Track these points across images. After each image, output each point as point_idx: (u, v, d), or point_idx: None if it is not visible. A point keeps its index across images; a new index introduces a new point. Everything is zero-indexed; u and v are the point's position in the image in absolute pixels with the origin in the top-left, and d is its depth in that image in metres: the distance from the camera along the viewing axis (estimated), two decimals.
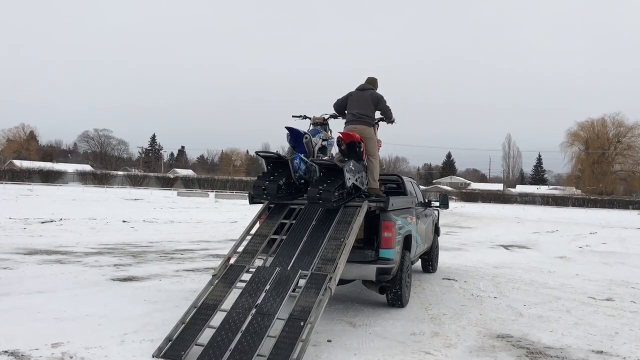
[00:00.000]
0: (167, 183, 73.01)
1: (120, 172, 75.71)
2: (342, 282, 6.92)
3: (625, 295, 8.63)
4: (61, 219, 18.75)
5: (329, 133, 7.49)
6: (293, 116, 7.73)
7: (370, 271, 6.38)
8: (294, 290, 5.23)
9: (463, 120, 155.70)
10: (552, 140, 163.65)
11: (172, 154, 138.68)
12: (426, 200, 9.80)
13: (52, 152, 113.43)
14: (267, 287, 5.20)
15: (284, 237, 6.03)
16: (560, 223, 31.27)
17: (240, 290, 5.23)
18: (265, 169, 6.53)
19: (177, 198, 47.41)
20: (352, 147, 6.90)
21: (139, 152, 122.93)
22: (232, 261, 5.76)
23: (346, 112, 7.42)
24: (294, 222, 6.28)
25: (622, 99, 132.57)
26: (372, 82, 7.49)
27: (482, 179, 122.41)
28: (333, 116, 7.64)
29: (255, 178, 6.52)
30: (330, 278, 5.18)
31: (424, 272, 10.22)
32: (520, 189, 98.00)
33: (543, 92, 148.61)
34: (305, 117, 7.69)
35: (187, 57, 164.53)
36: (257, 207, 6.93)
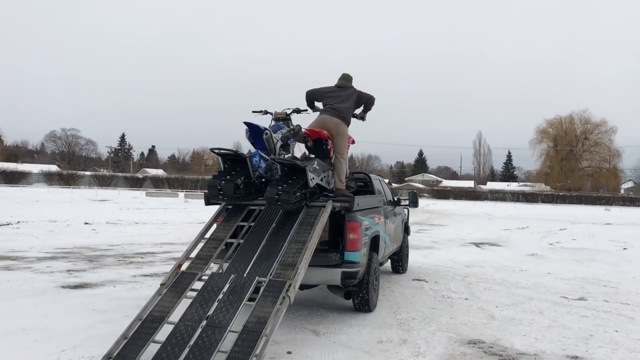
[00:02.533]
0: (135, 183, 71.60)
1: (87, 173, 73.95)
2: (306, 287, 6.53)
3: (597, 294, 8.43)
4: (19, 222, 17.95)
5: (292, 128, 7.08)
6: (253, 111, 7.31)
7: (335, 275, 6.00)
8: (251, 299, 4.81)
9: (435, 118, 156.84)
10: (522, 138, 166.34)
11: (142, 154, 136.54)
12: (395, 199, 9.47)
13: (18, 153, 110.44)
14: (220, 296, 4.77)
15: (241, 241, 5.61)
16: (531, 219, 31.40)
17: (191, 301, 4.79)
18: (222, 168, 6.08)
19: (146, 198, 46.39)
20: (319, 144, 6.52)
21: (108, 152, 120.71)
22: (183, 268, 5.31)
23: (321, 104, 7.04)
24: (252, 224, 5.86)
25: (589, 96, 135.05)
26: (349, 79, 7.14)
27: (454, 176, 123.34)
28: (296, 111, 7.23)
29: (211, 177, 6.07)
30: (290, 285, 4.78)
31: (394, 273, 9.89)
32: (490, 186, 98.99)
33: (513, 89, 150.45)
34: (266, 112, 7.27)
35: (159, 56, 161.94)
36: (215, 209, 6.49)
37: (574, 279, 9.90)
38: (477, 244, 16.27)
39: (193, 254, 5.54)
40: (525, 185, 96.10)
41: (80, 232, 15.84)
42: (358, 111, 7.27)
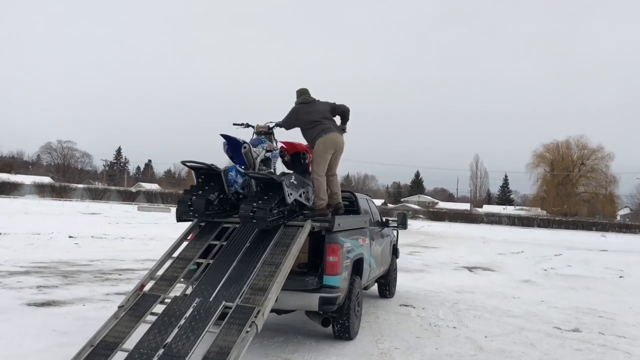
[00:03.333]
0: (129, 197, 70.96)
1: (79, 185, 73.32)
2: (283, 311, 6.12)
3: (592, 325, 8.02)
4: (0, 234, 17.48)
5: (274, 143, 6.72)
6: (234, 124, 6.95)
7: (312, 301, 5.60)
8: (218, 324, 4.40)
9: (432, 139, 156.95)
10: (519, 161, 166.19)
11: (138, 168, 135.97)
12: (383, 220, 9.09)
13: (13, 164, 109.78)
14: (182, 321, 4.37)
15: (211, 261, 5.21)
16: (526, 244, 30.99)
17: (149, 326, 4.38)
18: (195, 182, 5.71)
19: (137, 213, 45.80)
20: (297, 158, 6.17)
21: (103, 165, 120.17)
22: (146, 289, 4.91)
23: (304, 125, 6.65)
24: (224, 243, 5.47)
25: (586, 121, 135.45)
26: (308, 92, 6.79)
27: (450, 198, 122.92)
28: (279, 125, 6.88)
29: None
30: (258, 312, 4.38)
31: (381, 298, 9.47)
32: (487, 208, 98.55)
33: (510, 112, 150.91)
34: (248, 126, 6.92)
35: (159, 71, 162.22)
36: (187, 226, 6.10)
37: (568, 308, 9.50)
38: (469, 268, 15.86)
39: (159, 274, 5.14)
40: (522, 209, 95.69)
41: (62, 246, 15.37)
42: None
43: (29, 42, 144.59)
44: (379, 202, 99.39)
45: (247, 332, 4.20)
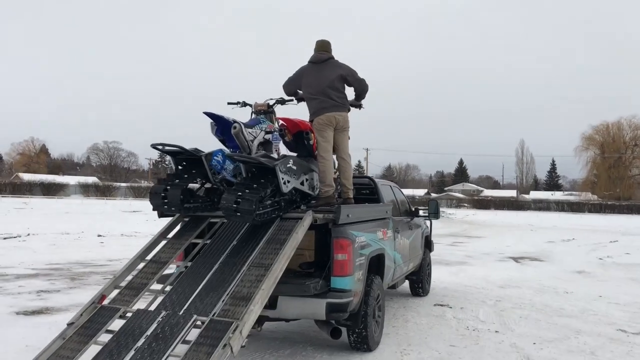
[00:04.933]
0: None
1: (123, 184, 74.18)
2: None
3: None
4: (28, 234, 17.19)
5: (276, 124, 5.77)
6: (229, 103, 6.03)
7: (317, 308, 4.64)
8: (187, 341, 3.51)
9: (475, 126, 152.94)
10: (566, 145, 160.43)
11: None
12: (412, 209, 8.04)
13: (63, 165, 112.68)
14: (141, 342, 3.48)
15: (189, 264, 4.32)
16: (577, 230, 29.16)
17: (100, 348, 3.51)
18: (174, 170, 4.82)
19: None
20: (300, 139, 5.23)
21: (148, 164, 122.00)
22: (106, 301, 4.05)
23: (305, 95, 5.71)
24: (208, 242, 4.56)
25: (638, 101, 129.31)
26: (326, 47, 5.75)
27: (495, 185, 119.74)
28: (280, 101, 5.93)
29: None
30: (236, 328, 3.45)
31: (413, 296, 8.43)
32: (534, 195, 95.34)
33: (557, 96, 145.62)
34: (244, 104, 5.99)
35: (208, 70, 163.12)
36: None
37: (632, 304, 8.23)
38: (516, 259, 14.58)
39: (126, 281, 4.27)
40: (571, 195, 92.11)
41: (86, 246, 14.88)
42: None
43: (80, 48, 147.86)
44: (422, 191, 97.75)
45: (221, 354, 3.28)
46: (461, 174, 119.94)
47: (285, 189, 4.54)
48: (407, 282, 8.37)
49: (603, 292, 9.20)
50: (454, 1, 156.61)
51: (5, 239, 15.84)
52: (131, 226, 22.89)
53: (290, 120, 5.27)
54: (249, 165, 4.52)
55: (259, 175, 4.50)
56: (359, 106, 6.02)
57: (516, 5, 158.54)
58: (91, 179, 77.12)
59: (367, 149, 72.54)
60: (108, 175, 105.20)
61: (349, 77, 5.65)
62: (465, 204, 74.89)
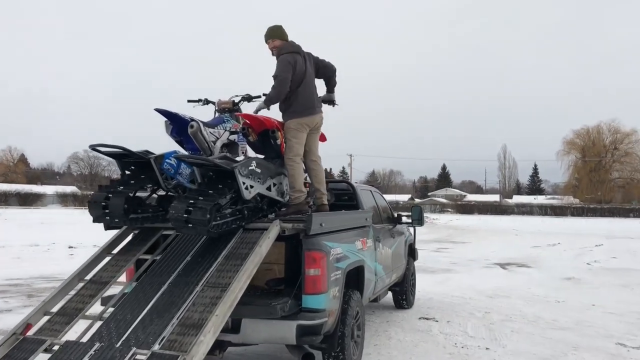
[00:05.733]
0: None
1: None
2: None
3: None
4: None
5: (240, 123, 5.19)
6: (189, 101, 5.44)
7: (287, 331, 4.04)
8: None
9: (458, 131, 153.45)
10: (548, 150, 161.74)
11: None
12: (395, 216, 7.49)
13: (42, 175, 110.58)
14: None
15: (134, 284, 3.71)
16: (562, 234, 28.88)
17: None
18: (120, 175, 4.21)
19: None
20: (267, 138, 4.66)
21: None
22: (31, 331, 3.42)
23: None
24: (158, 258, 3.96)
25: (617, 106, 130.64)
26: (281, 34, 5.14)
27: (478, 190, 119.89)
28: (246, 98, 5.35)
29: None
30: None
31: (397, 309, 7.87)
32: (517, 199, 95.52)
33: (537, 100, 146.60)
34: (207, 102, 5.41)
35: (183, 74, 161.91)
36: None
37: (628, 313, 7.75)
38: (502, 265, 14.11)
39: (58, 306, 3.65)
40: (553, 198, 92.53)
41: (54, 258, 14.13)
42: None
43: (51, 53, 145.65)
44: (405, 197, 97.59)
45: None
46: (444, 179, 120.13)
47: (248, 195, 3.95)
48: (390, 294, 7.81)
49: (596, 301, 8.72)
50: (434, 7, 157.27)
51: None
52: (107, 236, 22.01)
53: (254, 118, 4.68)
54: (205, 169, 3.93)
55: (217, 180, 3.91)
56: (333, 102, 5.47)
57: (496, 10, 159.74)
58: (70, 189, 75.56)
59: (350, 155, 72.25)
60: (88, 184, 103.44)
61: (325, 68, 5.16)
62: (449, 209, 74.76)
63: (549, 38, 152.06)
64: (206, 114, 5.27)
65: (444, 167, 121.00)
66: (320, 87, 5.37)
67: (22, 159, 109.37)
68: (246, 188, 3.92)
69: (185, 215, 3.57)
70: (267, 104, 4.86)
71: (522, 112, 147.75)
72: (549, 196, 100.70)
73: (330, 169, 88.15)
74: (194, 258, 3.83)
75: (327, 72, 5.26)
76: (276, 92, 4.78)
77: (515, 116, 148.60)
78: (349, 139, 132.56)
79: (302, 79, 4.88)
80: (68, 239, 20.12)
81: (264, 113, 4.95)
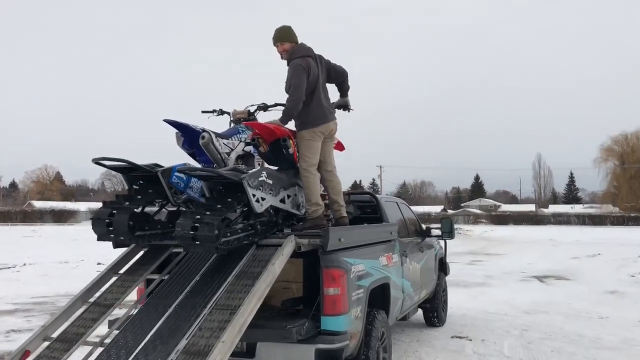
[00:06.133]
0: None
1: None
2: None
3: None
4: (24, 264, 16.49)
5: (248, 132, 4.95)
6: (203, 112, 5.25)
7: (305, 356, 3.74)
8: None
9: (491, 141, 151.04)
10: (584, 157, 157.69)
11: None
12: (423, 228, 7.12)
13: (76, 192, 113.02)
14: None
15: (139, 307, 3.46)
16: (602, 244, 27.85)
17: None
18: (127, 190, 3.99)
19: None
20: (278, 148, 4.39)
21: None
22: (30, 358, 3.20)
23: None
24: (166, 277, 3.71)
25: None
26: (291, 36, 4.80)
27: (513, 200, 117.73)
28: (262, 107, 5.12)
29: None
30: None
31: (428, 327, 7.47)
32: (553, 209, 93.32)
33: (572, 107, 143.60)
34: (222, 112, 5.20)
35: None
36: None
37: None
38: (540, 278, 13.52)
39: (59, 330, 3.42)
40: (591, 207, 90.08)
41: (81, 275, 14.05)
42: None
43: (97, 73, 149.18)
44: (438, 208, 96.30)
45: None
46: (477, 189, 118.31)
47: (259, 208, 3.68)
48: (420, 311, 7.43)
49: None
50: (465, 18, 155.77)
51: None
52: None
53: (264, 127, 4.40)
54: (213, 182, 3.68)
55: (227, 193, 3.65)
56: (348, 107, 5.17)
57: (528, 17, 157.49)
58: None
59: (380, 167, 71.83)
60: None
61: (339, 73, 4.88)
62: (483, 220, 73.34)
63: (583, 42, 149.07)
64: (221, 125, 5.01)
65: (477, 177, 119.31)
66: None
67: (58, 177, 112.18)
68: (257, 201, 3.65)
69: (192, 232, 3.32)
70: (286, 119, 4.50)
71: (557, 120, 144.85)
72: (586, 205, 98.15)
73: (360, 181, 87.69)
74: (203, 278, 3.58)
75: (339, 76, 4.96)
76: (293, 103, 4.44)
77: (549, 124, 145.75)
78: (379, 151, 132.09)
79: (315, 84, 4.59)
80: (97, 255, 20.21)
81: None
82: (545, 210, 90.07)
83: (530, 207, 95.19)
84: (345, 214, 4.83)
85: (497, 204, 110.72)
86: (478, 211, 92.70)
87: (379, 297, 4.75)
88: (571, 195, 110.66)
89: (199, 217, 3.34)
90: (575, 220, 70.59)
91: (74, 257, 19.33)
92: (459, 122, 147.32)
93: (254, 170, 3.84)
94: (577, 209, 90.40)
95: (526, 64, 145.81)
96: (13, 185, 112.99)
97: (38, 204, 63.75)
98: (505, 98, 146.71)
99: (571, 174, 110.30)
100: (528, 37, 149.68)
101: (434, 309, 7.35)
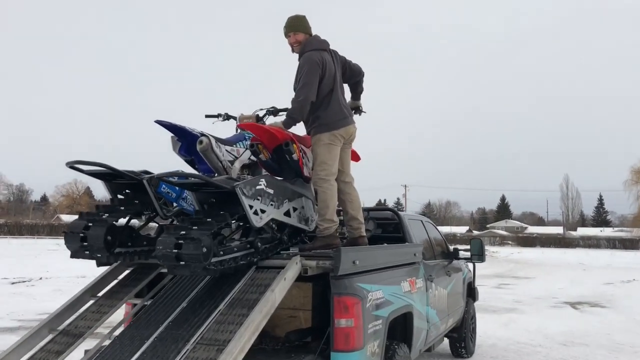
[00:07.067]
0: None
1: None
2: None
3: None
4: (40, 278, 16.21)
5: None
6: (207, 116, 4.74)
7: None
8: None
9: (517, 161, 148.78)
10: (614, 179, 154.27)
11: None
12: (451, 250, 6.50)
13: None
14: None
15: (108, 342, 2.92)
16: (636, 270, 26.61)
17: None
18: (110, 199, 3.48)
19: None
20: (281, 155, 3.84)
21: None
22: None
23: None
24: (148, 303, 3.17)
25: None
26: (305, 27, 4.26)
27: (540, 222, 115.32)
28: (271, 111, 4.60)
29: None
30: None
31: (454, 358, 6.80)
32: (581, 231, 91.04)
33: (600, 128, 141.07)
34: (227, 118, 4.69)
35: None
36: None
37: None
38: (573, 305, 12.67)
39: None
40: (622, 230, 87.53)
41: None
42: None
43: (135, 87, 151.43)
44: (463, 229, 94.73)
45: None
46: (504, 210, 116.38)
47: (258, 221, 3.13)
48: (446, 341, 6.76)
49: None
50: (491, 39, 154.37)
51: (13, 283, 14.87)
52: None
53: (264, 130, 3.83)
54: (203, 194, 3.13)
55: (220, 205, 3.11)
56: (360, 110, 4.63)
57: (554, 36, 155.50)
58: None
59: (405, 186, 70.87)
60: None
61: (354, 70, 4.35)
62: (509, 242, 71.79)
63: (612, 62, 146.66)
64: (227, 131, 4.51)
65: (503, 198, 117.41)
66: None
67: (87, 192, 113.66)
68: (255, 213, 3.10)
69: (176, 250, 2.77)
70: (289, 123, 3.93)
71: (585, 140, 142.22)
72: (616, 228, 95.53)
73: (385, 200, 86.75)
74: (190, 304, 3.03)
75: (354, 75, 4.42)
76: (299, 104, 3.87)
77: (576, 144, 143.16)
78: (404, 170, 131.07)
79: (333, 82, 4.05)
80: None
81: None
82: (574, 233, 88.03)
83: (558, 230, 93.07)
84: (364, 233, 4.25)
85: (524, 225, 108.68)
86: (504, 232, 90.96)
87: (401, 328, 4.15)
88: (600, 218, 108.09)
89: (184, 232, 2.80)
90: (605, 243, 68.68)
91: (92, 272, 18.94)
92: (485, 142, 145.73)
93: (252, 178, 3.29)
94: (607, 232, 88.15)
95: (552, 83, 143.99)
96: (44, 199, 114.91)
97: (66, 218, 64.04)
98: (531, 118, 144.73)
99: (600, 196, 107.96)
100: (554, 55, 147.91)
101: (461, 339, 6.67)
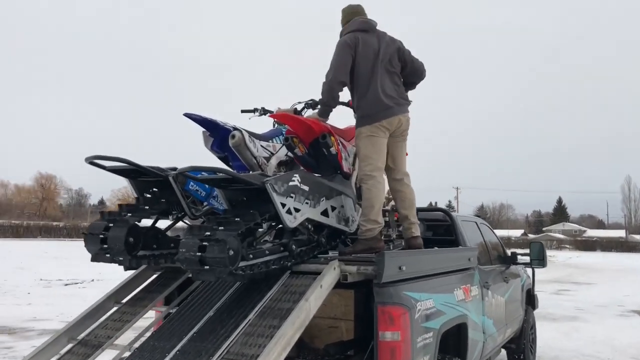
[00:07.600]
0: None
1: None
2: None
3: None
4: (92, 280, 16.48)
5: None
6: (243, 111, 4.47)
7: None
8: None
9: (575, 162, 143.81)
10: None
11: None
12: (508, 254, 6.01)
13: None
14: None
15: (130, 353, 2.66)
16: None
17: None
18: (136, 197, 3.24)
19: None
20: (318, 149, 3.51)
21: None
22: None
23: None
24: (174, 311, 2.91)
25: None
26: (343, 18, 3.92)
27: (600, 225, 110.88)
28: (311, 104, 4.28)
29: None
30: None
31: None
32: None
33: None
34: (264, 112, 4.41)
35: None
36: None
37: None
38: None
39: None
40: None
41: (87, 295, 13.82)
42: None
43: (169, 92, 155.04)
44: (518, 232, 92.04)
45: None
46: (560, 213, 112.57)
47: (291, 221, 2.81)
48: (503, 352, 6.28)
49: None
50: (548, 35, 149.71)
51: (66, 285, 15.18)
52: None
53: (299, 121, 3.50)
54: (232, 191, 2.84)
55: (251, 204, 2.81)
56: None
57: (609, 33, 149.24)
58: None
59: (457, 188, 69.31)
60: None
61: (410, 60, 3.91)
62: (567, 246, 69.17)
63: None
64: (264, 127, 4.23)
65: (559, 200, 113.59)
66: None
67: None
68: (288, 212, 2.78)
69: (199, 253, 2.49)
70: (324, 110, 3.66)
71: None
72: None
73: (436, 203, 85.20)
74: (218, 313, 2.74)
75: (413, 74, 3.97)
76: (326, 86, 3.58)
77: (639, 144, 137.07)
78: (456, 171, 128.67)
79: (372, 66, 3.68)
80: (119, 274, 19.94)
81: None
82: (637, 237, 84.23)
83: (620, 233, 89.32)
84: (418, 233, 3.86)
85: (583, 228, 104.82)
86: (561, 236, 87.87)
87: (454, 341, 3.75)
88: None
89: (208, 233, 2.52)
90: None
91: (93, 275, 19.18)
92: (540, 142, 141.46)
93: (282, 173, 2.97)
94: None
95: (611, 83, 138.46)
96: (101, 202, 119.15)
97: None
98: (592, 118, 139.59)
99: None
100: (610, 52, 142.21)
101: (520, 350, 6.16)
